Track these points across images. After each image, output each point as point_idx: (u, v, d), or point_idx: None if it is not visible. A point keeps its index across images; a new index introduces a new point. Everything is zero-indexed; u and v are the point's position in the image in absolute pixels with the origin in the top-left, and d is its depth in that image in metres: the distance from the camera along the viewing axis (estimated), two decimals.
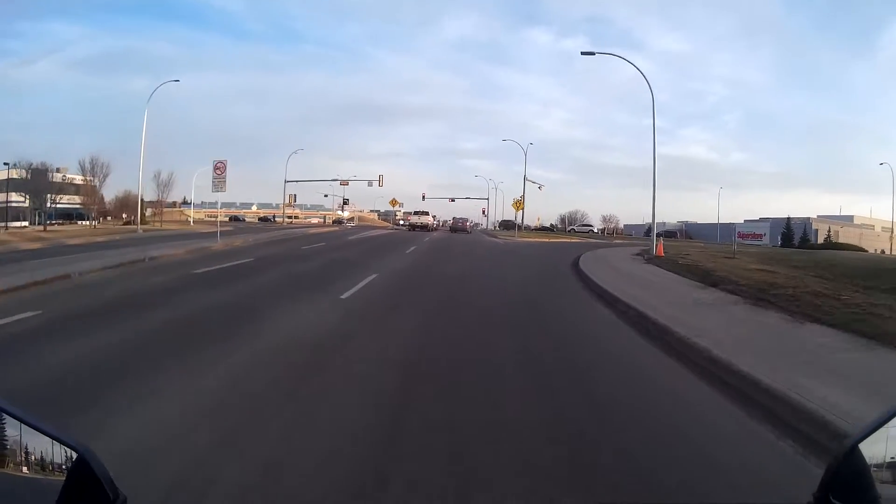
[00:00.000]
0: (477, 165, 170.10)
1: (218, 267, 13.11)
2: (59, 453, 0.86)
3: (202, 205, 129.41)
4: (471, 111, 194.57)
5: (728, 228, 55.50)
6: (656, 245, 19.75)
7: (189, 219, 72.00)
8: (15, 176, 50.73)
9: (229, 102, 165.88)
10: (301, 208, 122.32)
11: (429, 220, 49.96)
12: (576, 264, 16.18)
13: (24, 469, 0.85)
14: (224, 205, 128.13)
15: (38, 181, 50.05)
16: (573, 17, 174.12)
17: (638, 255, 20.16)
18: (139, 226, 35.94)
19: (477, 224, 77.45)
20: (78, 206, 54.48)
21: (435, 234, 42.44)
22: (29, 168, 50.50)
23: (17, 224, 48.15)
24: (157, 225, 52.15)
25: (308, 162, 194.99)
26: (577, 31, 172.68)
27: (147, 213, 58.22)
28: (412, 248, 22.81)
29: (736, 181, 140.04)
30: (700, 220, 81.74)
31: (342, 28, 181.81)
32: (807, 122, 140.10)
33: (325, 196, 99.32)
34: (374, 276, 11.71)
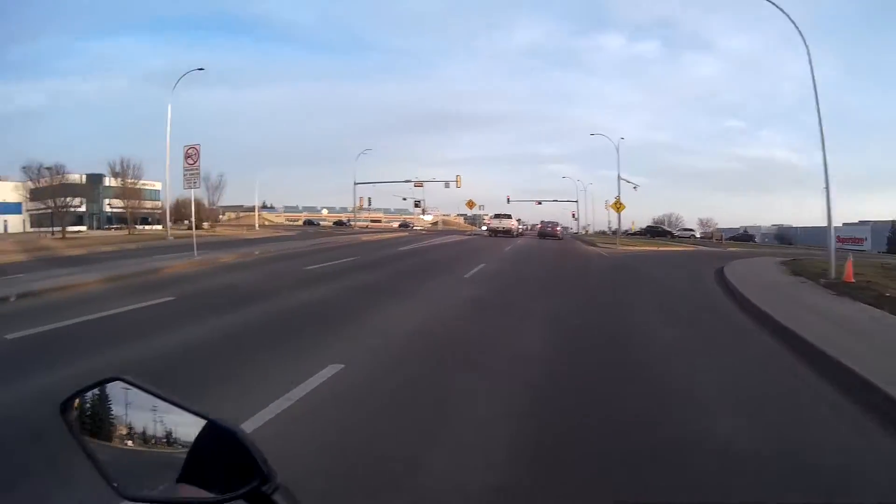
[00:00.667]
0: (560, 170, 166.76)
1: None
2: (213, 435, 0.84)
3: (284, 209, 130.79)
4: (550, 117, 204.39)
5: (825, 233, 49.38)
6: (836, 262, 12.75)
7: (256, 224, 68.09)
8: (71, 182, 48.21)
9: (310, 112, 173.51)
10: (384, 212, 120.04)
11: (512, 224, 42.65)
12: (735, 294, 10.45)
13: (180, 450, 0.86)
14: (305, 209, 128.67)
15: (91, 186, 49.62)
16: (643, 20, 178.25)
17: (796, 274, 13.94)
18: (169, 232, 30.58)
19: (567, 228, 68.59)
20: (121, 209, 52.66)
21: (519, 240, 35.99)
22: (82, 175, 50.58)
23: (74, 229, 45.74)
24: (213, 230, 48.43)
25: (387, 168, 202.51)
26: (650, 35, 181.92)
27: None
28: (476, 269, 14.68)
29: (819, 182, 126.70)
30: (794, 224, 74.00)
31: (417, 38, 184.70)
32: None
33: (404, 199, 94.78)
34: (331, 371, 4.65)
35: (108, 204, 52.01)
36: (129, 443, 0.88)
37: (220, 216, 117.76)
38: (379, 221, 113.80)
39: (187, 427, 0.86)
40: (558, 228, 44.21)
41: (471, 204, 48.98)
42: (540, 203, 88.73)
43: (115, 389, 0.91)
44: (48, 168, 39.80)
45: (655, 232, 74.65)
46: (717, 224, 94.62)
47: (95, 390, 0.91)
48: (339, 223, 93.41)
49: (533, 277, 13.98)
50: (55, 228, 38.72)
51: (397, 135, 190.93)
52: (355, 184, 69.76)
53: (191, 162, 15.59)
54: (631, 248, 30.70)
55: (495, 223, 43.10)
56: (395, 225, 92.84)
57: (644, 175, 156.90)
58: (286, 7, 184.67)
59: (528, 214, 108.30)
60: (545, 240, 39.17)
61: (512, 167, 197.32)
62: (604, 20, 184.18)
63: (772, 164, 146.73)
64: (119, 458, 0.87)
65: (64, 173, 41.94)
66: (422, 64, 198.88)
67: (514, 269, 16.14)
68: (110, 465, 0.85)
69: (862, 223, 61.52)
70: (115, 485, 0.82)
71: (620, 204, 39.41)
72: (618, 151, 52.07)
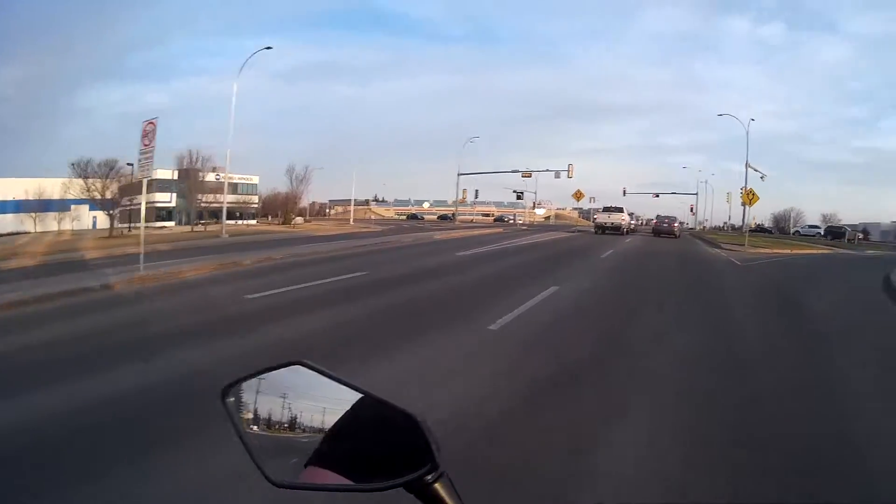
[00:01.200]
0: (681, 161, 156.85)
1: None
2: (397, 420, 0.81)
3: (395, 202, 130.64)
4: (672, 106, 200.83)
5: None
6: None
7: (351, 219, 66.41)
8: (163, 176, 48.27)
9: (434, 105, 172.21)
10: (496, 205, 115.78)
11: (622, 218, 36.36)
12: None
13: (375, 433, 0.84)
14: (416, 202, 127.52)
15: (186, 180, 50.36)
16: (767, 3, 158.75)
17: None
18: (224, 230, 28.11)
19: (683, 223, 60.01)
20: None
21: (628, 239, 30.14)
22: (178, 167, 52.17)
23: (160, 224, 47.49)
24: (294, 226, 47.23)
25: (501, 160, 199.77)
26: (775, 17, 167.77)
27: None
28: (533, 301, 8.34)
29: None
30: None
31: (543, 26, 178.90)
32: None
33: (515, 193, 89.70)
34: None
35: (201, 200, 51.30)
36: (300, 430, 0.85)
37: (329, 210, 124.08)
38: (489, 216, 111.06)
39: (363, 411, 0.84)
40: (675, 225, 36.74)
41: (578, 195, 42.27)
42: (657, 196, 79.60)
43: (292, 374, 0.89)
44: (129, 164, 39.09)
45: (772, 231, 66.35)
46: (840, 220, 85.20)
47: (272, 373, 0.90)
48: (443, 217, 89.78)
49: (634, 319, 7.68)
50: (133, 224, 37.77)
51: (516, 125, 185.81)
52: (459, 175, 66.21)
53: (146, 143, 11.40)
54: (761, 250, 24.32)
55: (602, 218, 36.70)
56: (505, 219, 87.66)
57: (764, 167, 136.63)
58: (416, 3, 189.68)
59: (644, 208, 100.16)
60: (660, 237, 33.21)
61: (631, 158, 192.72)
62: (729, 4, 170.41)
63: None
64: (282, 444, 0.84)
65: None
66: (544, 54, 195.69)
67: (601, 296, 10.21)
68: (265, 451, 0.83)
69: None
70: (266, 471, 0.80)
71: (753, 195, 32.02)
72: (747, 135, 44.89)
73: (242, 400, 0.89)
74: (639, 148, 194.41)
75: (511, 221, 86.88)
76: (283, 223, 52.52)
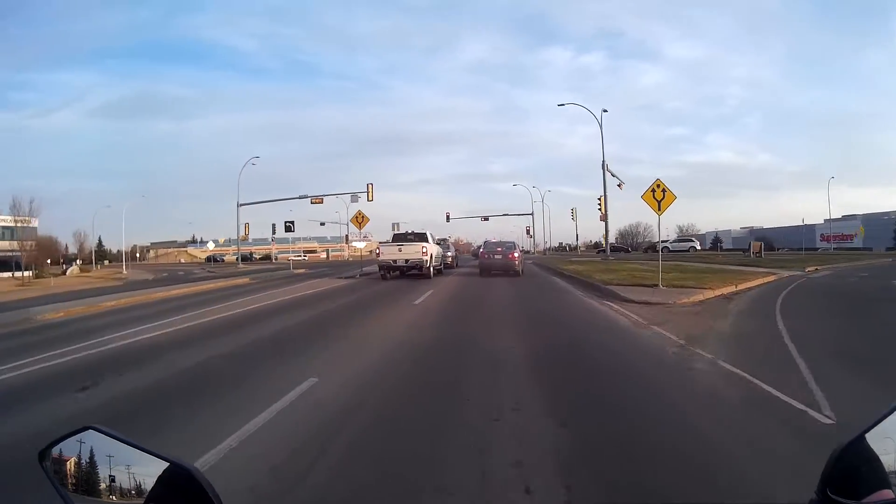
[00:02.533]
0: (509, 188, 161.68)
1: None
2: (165, 473, 0.90)
3: (213, 244, 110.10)
4: (495, 134, 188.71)
5: (806, 232, 51.39)
6: None
7: (124, 267, 55.17)
8: None
9: (247, 141, 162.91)
10: (318, 241, 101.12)
11: (422, 250, 20.93)
12: None
13: (133, 492, 0.90)
14: (233, 241, 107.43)
15: None
16: (587, 33, 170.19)
17: None
18: None
19: (525, 251, 47.28)
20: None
21: (429, 291, 15.68)
22: None
23: None
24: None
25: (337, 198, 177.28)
26: (594, 46, 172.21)
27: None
28: None
29: (763, 183, 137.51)
30: (760, 225, 71.83)
31: (356, 61, 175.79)
32: (827, 116, 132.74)
33: (322, 224, 72.21)
34: None
35: None
36: (103, 494, 0.91)
37: (146, 254, 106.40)
38: (313, 252, 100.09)
39: (156, 473, 0.90)
40: (515, 255, 21.63)
41: (359, 219, 26.06)
42: (486, 219, 67.92)
43: (88, 438, 0.94)
44: None
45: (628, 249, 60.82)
46: (698, 230, 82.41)
47: (71, 438, 0.95)
48: (212, 259, 74.62)
49: None
50: None
51: (341, 161, 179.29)
52: (238, 206, 47.91)
53: None
54: (697, 291, 12.52)
55: (388, 253, 21.02)
56: (298, 256, 70.92)
57: (591, 188, 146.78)
58: (228, 34, 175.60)
59: (472, 235, 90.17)
60: (491, 277, 20.19)
61: (458, 188, 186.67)
62: (549, 34, 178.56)
63: (718, 168, 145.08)
64: None
65: None
66: (364, 87, 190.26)
67: None
68: None
69: (846, 218, 58.24)
70: None
71: (604, 208, 30.41)
72: (601, 127, 35.42)
73: (58, 463, 0.94)
74: (465, 176, 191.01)
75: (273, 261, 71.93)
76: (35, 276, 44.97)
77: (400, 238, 22.33)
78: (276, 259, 74.60)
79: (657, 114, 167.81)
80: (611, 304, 11.35)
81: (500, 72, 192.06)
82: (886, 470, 0.93)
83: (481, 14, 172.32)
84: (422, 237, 21.59)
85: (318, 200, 46.73)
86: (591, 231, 67.10)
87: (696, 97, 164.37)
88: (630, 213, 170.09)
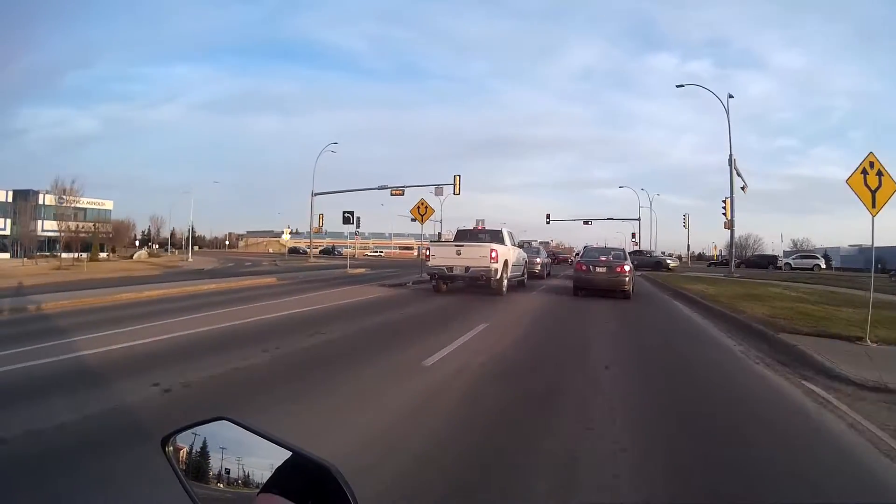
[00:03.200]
0: (612, 195, 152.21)
1: None
2: (307, 470, 0.87)
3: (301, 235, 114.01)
4: (600, 140, 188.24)
5: None
6: None
7: (189, 254, 55.66)
8: None
9: (354, 140, 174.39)
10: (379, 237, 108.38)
11: (493, 256, 14.60)
12: None
13: (259, 484, 0.88)
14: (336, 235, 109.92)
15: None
16: (694, 40, 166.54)
17: None
18: None
19: (645, 256, 40.13)
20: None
21: (484, 326, 9.35)
22: None
23: None
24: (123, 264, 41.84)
25: (448, 198, 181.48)
26: (701, 53, 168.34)
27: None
28: None
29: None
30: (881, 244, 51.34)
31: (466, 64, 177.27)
32: None
33: (414, 221, 67.83)
34: None
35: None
36: (229, 484, 0.89)
37: (238, 241, 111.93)
38: (407, 249, 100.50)
39: (285, 466, 0.88)
40: (626, 268, 15.00)
41: (421, 210, 20.80)
42: (588, 223, 59.78)
43: (219, 428, 0.93)
44: None
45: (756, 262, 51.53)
46: (813, 244, 72.28)
47: (201, 427, 0.94)
48: (295, 250, 75.06)
49: None
50: None
51: (441, 163, 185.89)
52: (313, 195, 44.72)
53: None
54: None
55: (441, 255, 15.24)
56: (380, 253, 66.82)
57: (695, 198, 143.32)
58: (339, 35, 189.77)
59: (573, 238, 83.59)
60: (589, 299, 14.36)
61: (559, 192, 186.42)
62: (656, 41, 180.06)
63: (822, 182, 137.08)
64: (217, 498, 0.88)
65: None
66: (472, 91, 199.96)
67: None
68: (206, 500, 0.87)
69: None
70: None
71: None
72: (727, 114, 29.26)
73: (180, 451, 0.93)
74: (568, 182, 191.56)
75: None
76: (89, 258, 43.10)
77: (462, 236, 16.57)
78: (339, 253, 70.90)
79: (763, 125, 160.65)
80: (808, 383, 5.79)
81: (607, 78, 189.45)
82: None
83: (592, 18, 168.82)
84: (495, 236, 15.78)
85: (398, 192, 42.44)
86: (699, 243, 58.51)
87: (804, 108, 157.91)
88: (717, 228, 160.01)
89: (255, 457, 0.89)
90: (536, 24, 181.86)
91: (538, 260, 22.23)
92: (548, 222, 57.99)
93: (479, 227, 18.60)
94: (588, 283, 15.13)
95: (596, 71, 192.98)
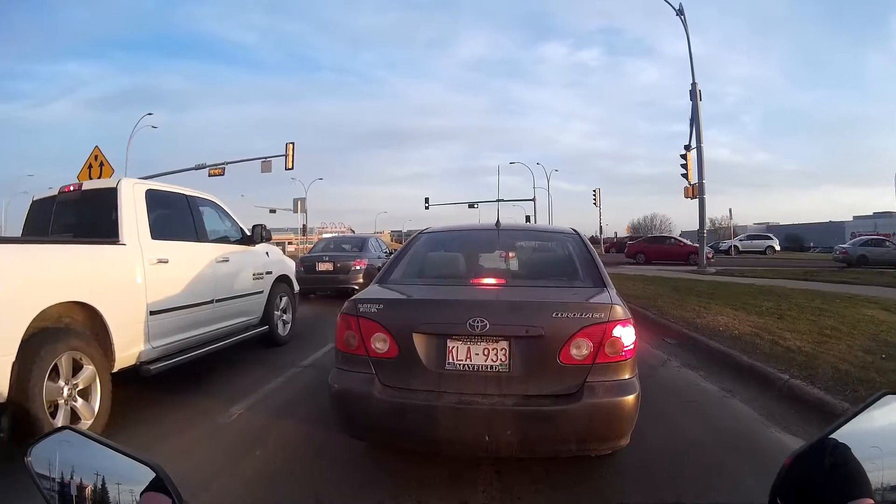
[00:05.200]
0: (502, 181, 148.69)
1: None
2: (131, 472, 0.88)
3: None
4: (491, 129, 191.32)
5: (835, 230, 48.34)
6: None
7: None
8: None
9: (240, 134, 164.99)
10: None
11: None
12: None
13: (97, 490, 0.88)
14: None
15: None
16: (587, 29, 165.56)
17: None
18: None
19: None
20: None
21: None
22: None
23: None
24: None
25: (331, 189, 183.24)
26: (592, 42, 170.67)
27: None
28: None
29: (760, 181, 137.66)
30: (776, 221, 67.52)
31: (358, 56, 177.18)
32: (827, 118, 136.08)
33: (273, 212, 55.80)
34: None
35: None
36: (75, 494, 0.90)
37: None
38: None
39: (131, 474, 0.88)
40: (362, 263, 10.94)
41: (93, 166, 10.42)
42: (474, 206, 49.84)
43: (66, 437, 0.96)
44: None
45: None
46: (733, 221, 68.58)
47: (50, 438, 0.96)
48: None
49: None
50: None
51: (340, 156, 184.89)
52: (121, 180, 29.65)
53: None
54: None
55: None
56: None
57: (585, 184, 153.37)
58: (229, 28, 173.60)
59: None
60: None
61: (453, 182, 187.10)
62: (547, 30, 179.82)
63: (714, 165, 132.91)
64: None
65: None
66: (362, 82, 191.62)
67: None
68: None
69: (879, 215, 54.49)
70: None
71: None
72: (685, 24, 20.99)
73: (41, 461, 0.93)
74: (460, 170, 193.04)
75: None
76: None
77: None
78: None
79: (656, 111, 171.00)
80: None
81: (498, 67, 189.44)
82: (861, 476, 0.83)
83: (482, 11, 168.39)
84: None
85: (217, 171, 30.32)
86: (590, 227, 51.25)
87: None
88: (631, 208, 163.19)
89: (96, 460, 0.90)
90: (427, 14, 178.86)
91: (358, 265, 11.91)
92: (427, 207, 47.93)
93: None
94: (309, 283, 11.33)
95: (486, 60, 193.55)
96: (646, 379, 4.50)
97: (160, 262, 4.62)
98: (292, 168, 26.30)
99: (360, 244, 13.48)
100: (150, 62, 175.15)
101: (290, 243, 58.64)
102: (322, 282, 11.90)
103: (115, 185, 4.64)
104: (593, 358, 2.69)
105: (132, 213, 4.54)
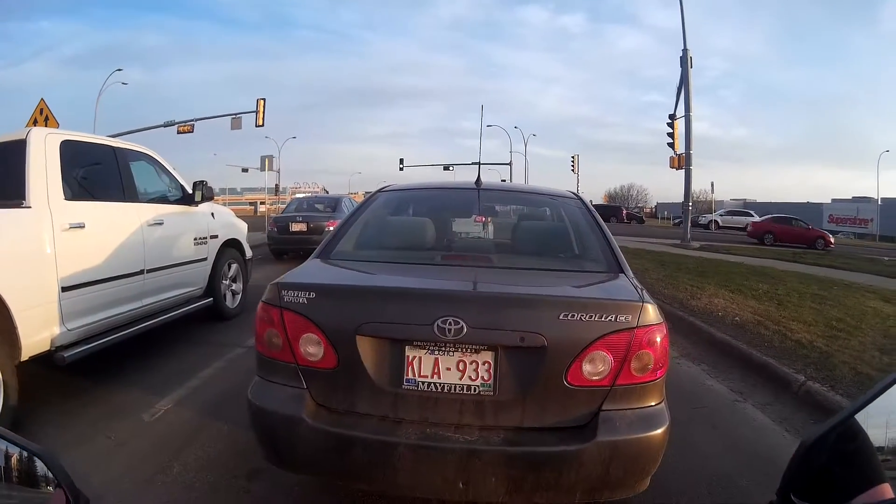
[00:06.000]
0: (476, 144, 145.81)
1: None
2: (18, 460, 0.84)
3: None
4: (469, 90, 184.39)
5: (812, 211, 46.45)
6: None
7: None
8: None
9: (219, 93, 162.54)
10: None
11: None
12: None
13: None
14: None
15: None
16: None
17: None
18: None
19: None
20: None
21: None
22: None
23: None
24: None
25: (305, 149, 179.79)
26: (575, 7, 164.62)
27: None
28: None
29: (737, 156, 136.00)
30: (753, 198, 63.50)
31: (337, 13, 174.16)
32: (810, 95, 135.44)
33: (245, 171, 54.21)
34: None
35: None
36: None
37: None
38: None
39: (21, 465, 0.85)
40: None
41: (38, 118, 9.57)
42: (449, 168, 48.78)
43: None
44: None
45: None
46: (714, 196, 69.19)
47: None
48: None
49: None
50: None
51: (316, 113, 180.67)
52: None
53: None
54: None
55: None
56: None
57: (565, 150, 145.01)
58: None
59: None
60: None
61: (430, 143, 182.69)
62: None
63: (694, 138, 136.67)
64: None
65: None
66: (340, 41, 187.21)
67: None
68: None
69: (858, 199, 54.81)
70: None
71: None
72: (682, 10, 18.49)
73: None
74: (436, 130, 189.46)
75: None
76: None
77: None
78: None
79: (635, 80, 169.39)
80: None
81: (478, 29, 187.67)
82: (878, 461, 0.78)
83: None
84: None
85: (186, 129, 29.02)
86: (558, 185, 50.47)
87: (675, 66, 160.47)
88: (607, 176, 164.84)
89: None
90: None
91: (331, 226, 10.89)
92: (401, 168, 47.13)
93: None
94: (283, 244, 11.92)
95: (466, 21, 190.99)
96: None
97: (75, 227, 3.82)
98: (262, 125, 25.18)
99: (334, 204, 13.43)
100: (124, 19, 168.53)
101: (261, 203, 57.08)
102: (295, 242, 11.64)
103: (24, 137, 3.81)
104: (613, 378, 1.96)
105: (41, 170, 3.75)
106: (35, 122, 13.11)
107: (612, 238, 2.78)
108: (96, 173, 4.40)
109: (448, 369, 1.98)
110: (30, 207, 3.59)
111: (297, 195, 34.86)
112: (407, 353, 2.00)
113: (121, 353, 4.32)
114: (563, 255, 2.94)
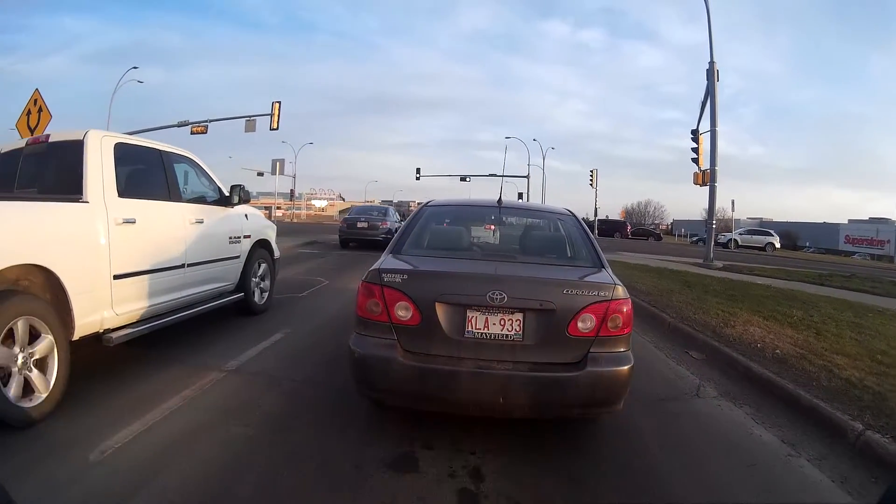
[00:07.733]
0: (495, 157, 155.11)
1: None
2: None
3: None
4: (486, 102, 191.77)
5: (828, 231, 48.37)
6: None
7: None
8: None
9: (235, 96, 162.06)
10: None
11: None
12: None
13: None
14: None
15: None
16: (588, 8, 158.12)
17: None
18: None
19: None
20: None
21: None
22: None
23: None
24: None
25: (322, 155, 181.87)
26: (594, 22, 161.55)
27: None
28: None
29: (753, 175, 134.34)
30: (769, 217, 66.26)
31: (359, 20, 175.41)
32: (827, 115, 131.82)
33: (260, 175, 54.63)
34: None
35: None
36: None
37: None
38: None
39: None
40: (386, 224, 18.54)
41: (32, 112, 9.76)
42: (465, 179, 49.32)
43: None
44: None
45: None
46: (733, 214, 68.21)
47: None
48: None
49: None
50: None
51: (332, 121, 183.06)
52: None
53: None
54: None
55: None
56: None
57: (580, 164, 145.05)
58: None
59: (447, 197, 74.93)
60: None
61: (446, 153, 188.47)
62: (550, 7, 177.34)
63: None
64: None
65: None
66: (359, 48, 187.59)
67: None
68: None
69: (875, 221, 54.04)
70: None
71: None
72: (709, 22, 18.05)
73: None
74: (453, 142, 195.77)
75: None
76: None
77: None
78: None
79: (652, 96, 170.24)
80: None
81: (498, 41, 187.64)
82: None
83: None
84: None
85: (200, 129, 29.49)
86: (582, 208, 50.31)
87: (693, 83, 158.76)
88: (623, 192, 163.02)
89: None
90: None
91: (383, 225, 18.05)
92: (418, 178, 47.66)
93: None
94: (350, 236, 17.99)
95: (487, 33, 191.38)
96: (680, 415, 4.14)
97: (127, 221, 4.23)
98: (277, 128, 25.82)
99: (384, 211, 20.03)
100: (146, 17, 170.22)
101: (278, 208, 57.78)
102: (359, 234, 17.80)
103: (81, 138, 4.19)
104: (597, 331, 3.09)
105: (98, 169, 4.13)
106: (29, 113, 13.10)
107: (597, 243, 3.97)
108: (145, 173, 4.82)
109: (493, 324, 3.07)
110: (87, 202, 3.97)
111: (312, 201, 35.12)
112: (468, 314, 3.07)
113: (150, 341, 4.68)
114: (562, 255, 4.11)
